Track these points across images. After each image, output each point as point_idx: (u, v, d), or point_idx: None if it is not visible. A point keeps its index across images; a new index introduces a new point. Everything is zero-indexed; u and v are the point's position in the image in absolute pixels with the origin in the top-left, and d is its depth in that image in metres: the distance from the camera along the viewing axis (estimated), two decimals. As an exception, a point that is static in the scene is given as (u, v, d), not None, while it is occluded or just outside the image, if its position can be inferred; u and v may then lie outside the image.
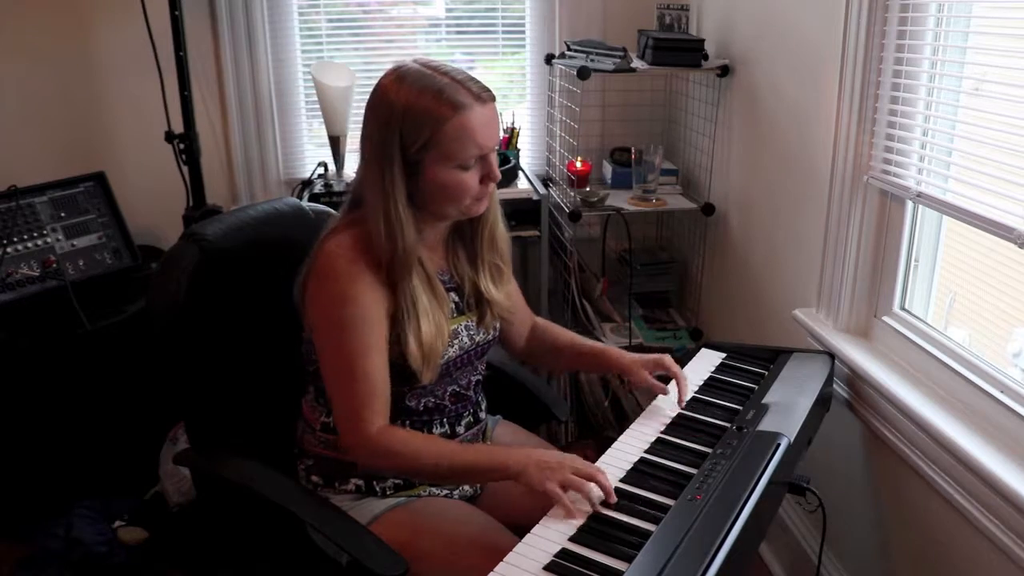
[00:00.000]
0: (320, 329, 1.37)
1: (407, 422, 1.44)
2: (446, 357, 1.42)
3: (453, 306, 1.45)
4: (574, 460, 1.27)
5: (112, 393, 2.27)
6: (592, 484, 1.24)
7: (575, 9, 2.75)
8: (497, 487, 1.54)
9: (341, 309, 1.32)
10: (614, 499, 1.24)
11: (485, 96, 1.33)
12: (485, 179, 1.36)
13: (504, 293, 1.52)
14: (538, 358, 1.71)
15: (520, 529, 1.24)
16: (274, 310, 1.48)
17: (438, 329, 1.38)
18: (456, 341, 1.44)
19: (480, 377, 1.57)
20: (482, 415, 1.58)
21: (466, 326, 1.47)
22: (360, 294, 1.32)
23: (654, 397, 1.56)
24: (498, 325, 1.55)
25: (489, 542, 1.34)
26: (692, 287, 2.74)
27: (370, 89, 1.36)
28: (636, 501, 1.25)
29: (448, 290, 1.45)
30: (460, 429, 1.51)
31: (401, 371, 1.37)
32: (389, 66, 1.37)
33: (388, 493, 1.45)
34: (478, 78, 1.34)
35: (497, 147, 1.38)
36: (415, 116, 1.29)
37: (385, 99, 1.32)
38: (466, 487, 1.52)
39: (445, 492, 1.49)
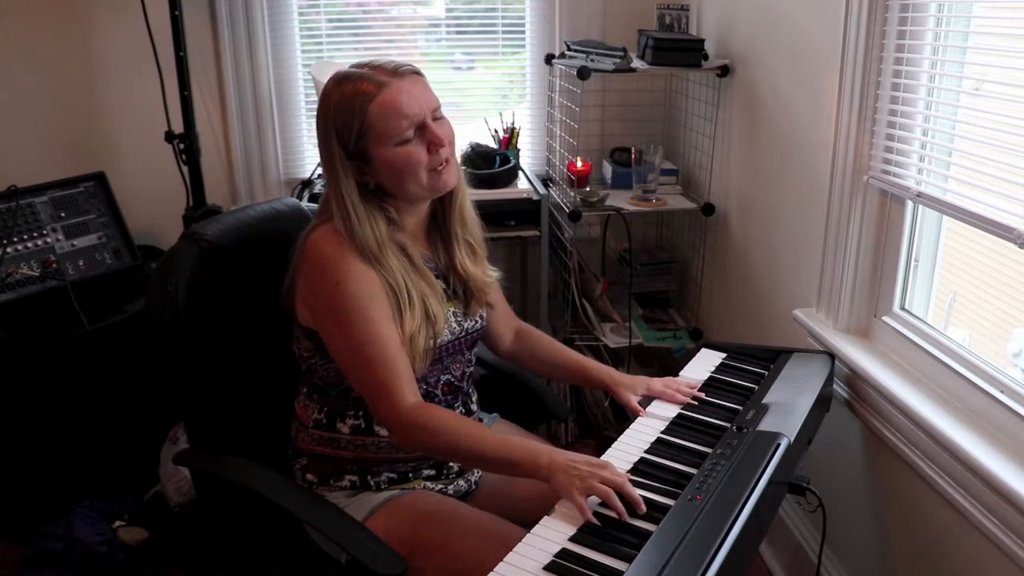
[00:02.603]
0: (325, 318, 1.38)
1: None
2: (439, 342, 1.42)
3: (442, 292, 1.46)
4: (604, 468, 1.23)
5: (112, 393, 2.27)
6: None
7: (575, 9, 2.75)
8: (494, 485, 1.54)
9: (339, 289, 1.34)
10: (643, 509, 1.20)
11: (403, 71, 1.36)
12: (432, 147, 1.37)
13: (480, 271, 1.53)
14: (522, 364, 1.70)
15: (515, 521, 1.24)
16: (273, 310, 1.48)
17: (428, 316, 1.39)
18: (446, 326, 1.45)
19: (471, 369, 1.57)
20: (473, 407, 1.58)
21: (453, 312, 1.48)
22: (353, 270, 1.35)
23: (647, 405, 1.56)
24: (484, 313, 1.56)
25: (486, 528, 1.35)
26: (692, 287, 2.74)
27: None
28: (636, 501, 1.25)
29: (436, 277, 1.46)
30: None
31: None
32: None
33: (383, 487, 1.45)
34: (401, 60, 1.39)
35: (433, 114, 1.38)
36: (342, 111, 1.35)
37: (320, 106, 1.39)
38: (460, 483, 1.52)
39: (439, 487, 1.49)
